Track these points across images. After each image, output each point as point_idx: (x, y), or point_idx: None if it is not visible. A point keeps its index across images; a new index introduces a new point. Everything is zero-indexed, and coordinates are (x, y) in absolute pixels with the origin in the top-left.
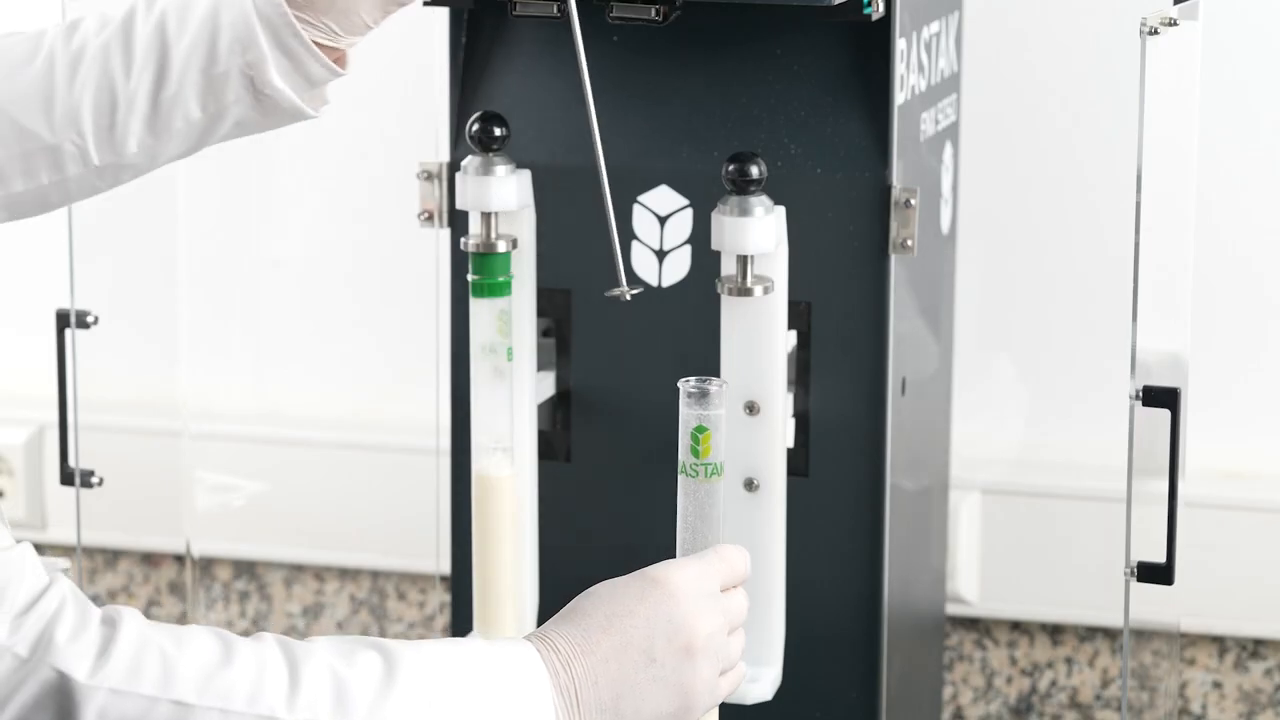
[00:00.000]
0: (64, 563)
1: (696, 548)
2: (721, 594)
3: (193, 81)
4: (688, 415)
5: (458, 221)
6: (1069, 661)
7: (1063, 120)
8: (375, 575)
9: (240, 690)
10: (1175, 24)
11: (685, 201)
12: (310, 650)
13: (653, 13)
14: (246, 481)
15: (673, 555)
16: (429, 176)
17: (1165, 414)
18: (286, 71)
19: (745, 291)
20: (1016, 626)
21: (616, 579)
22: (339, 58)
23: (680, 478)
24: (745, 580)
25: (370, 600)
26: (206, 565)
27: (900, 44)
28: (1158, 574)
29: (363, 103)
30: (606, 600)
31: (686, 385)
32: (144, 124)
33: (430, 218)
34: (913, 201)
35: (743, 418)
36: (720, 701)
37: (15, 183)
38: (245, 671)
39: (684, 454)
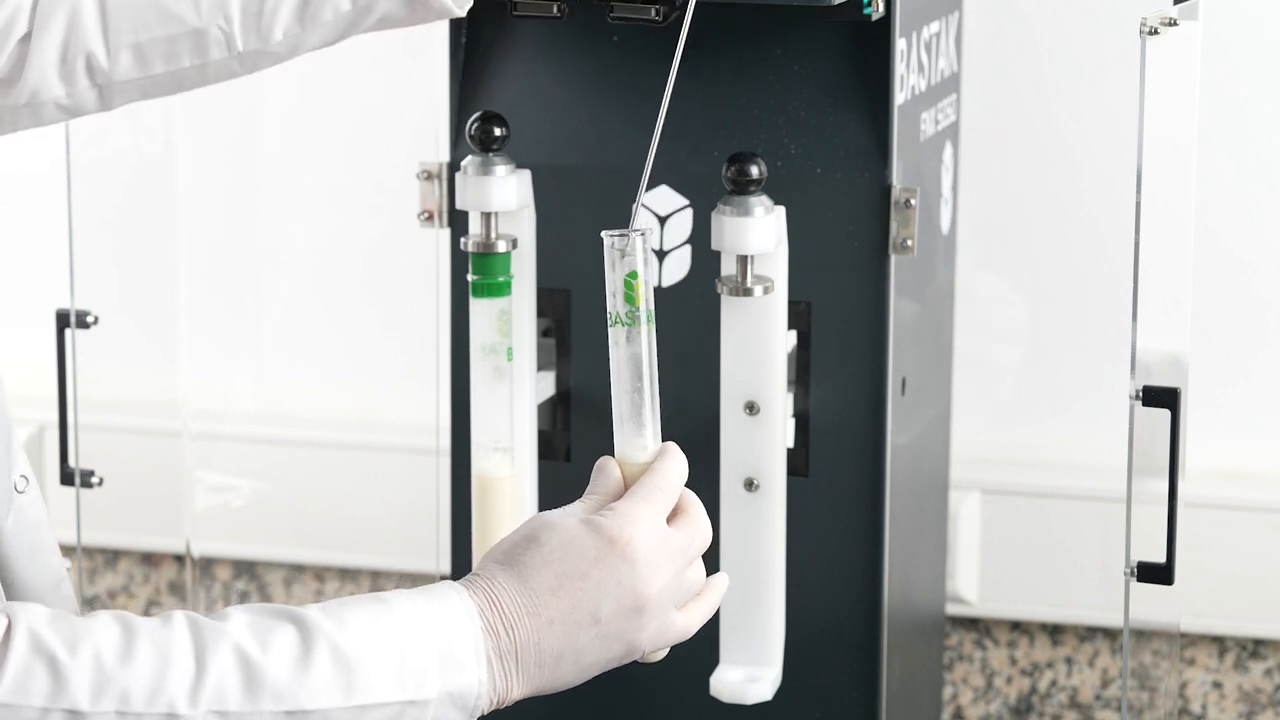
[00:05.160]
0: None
1: (633, 407)
2: (675, 533)
3: None
4: (619, 266)
5: (458, 221)
6: (1069, 661)
7: (1063, 120)
8: (375, 575)
9: (139, 689)
10: (1175, 24)
11: (685, 201)
12: (222, 632)
13: (653, 13)
14: (246, 481)
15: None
16: (429, 176)
17: (1165, 414)
18: None
19: (745, 291)
20: (1016, 626)
21: (569, 525)
22: None
23: (612, 331)
24: (684, 475)
25: None
26: (206, 565)
27: (900, 44)
28: (1158, 574)
29: (363, 103)
30: (559, 557)
31: (611, 237)
32: (293, 14)
33: (430, 218)
34: (913, 201)
35: (743, 418)
36: (690, 635)
37: (156, 65)
38: (144, 668)
39: (617, 305)
